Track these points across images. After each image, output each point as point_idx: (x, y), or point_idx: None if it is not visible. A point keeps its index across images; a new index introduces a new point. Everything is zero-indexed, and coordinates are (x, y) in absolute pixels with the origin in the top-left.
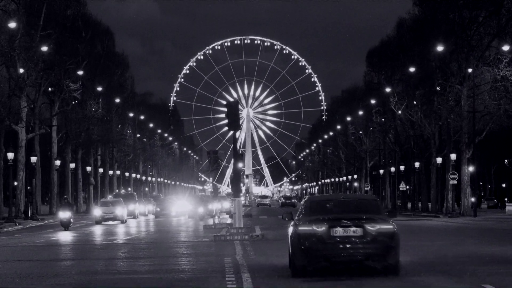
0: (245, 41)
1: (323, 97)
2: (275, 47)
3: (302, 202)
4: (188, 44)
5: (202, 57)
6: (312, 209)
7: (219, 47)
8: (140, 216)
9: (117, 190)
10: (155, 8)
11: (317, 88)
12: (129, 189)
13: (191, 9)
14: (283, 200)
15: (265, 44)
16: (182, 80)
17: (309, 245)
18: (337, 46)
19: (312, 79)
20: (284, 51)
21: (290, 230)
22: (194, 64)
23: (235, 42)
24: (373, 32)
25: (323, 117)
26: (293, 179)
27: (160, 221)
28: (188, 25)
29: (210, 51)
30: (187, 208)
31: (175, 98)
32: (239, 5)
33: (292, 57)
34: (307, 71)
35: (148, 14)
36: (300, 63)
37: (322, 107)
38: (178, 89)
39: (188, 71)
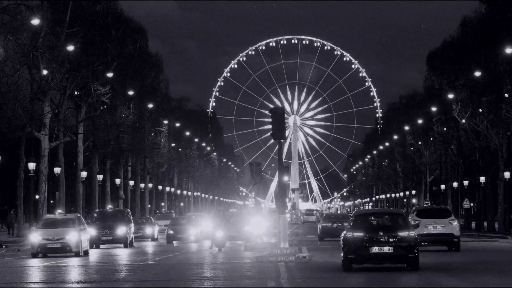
0: (281, 42)
1: (375, 93)
2: (315, 44)
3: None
4: (213, 44)
5: (236, 66)
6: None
7: (253, 52)
8: (144, 242)
9: (148, 205)
10: (172, 5)
11: (367, 84)
12: (109, 206)
13: (211, 7)
14: None
15: (304, 42)
16: (218, 93)
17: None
18: (387, 47)
19: (361, 75)
20: (325, 47)
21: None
22: (229, 74)
23: (270, 44)
24: (426, 33)
25: (377, 115)
26: (345, 194)
27: (167, 249)
28: (210, 23)
29: (245, 58)
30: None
31: (211, 115)
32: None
33: (335, 53)
34: (353, 66)
35: (165, 11)
36: (345, 59)
37: (375, 104)
38: (214, 104)
39: (223, 83)
